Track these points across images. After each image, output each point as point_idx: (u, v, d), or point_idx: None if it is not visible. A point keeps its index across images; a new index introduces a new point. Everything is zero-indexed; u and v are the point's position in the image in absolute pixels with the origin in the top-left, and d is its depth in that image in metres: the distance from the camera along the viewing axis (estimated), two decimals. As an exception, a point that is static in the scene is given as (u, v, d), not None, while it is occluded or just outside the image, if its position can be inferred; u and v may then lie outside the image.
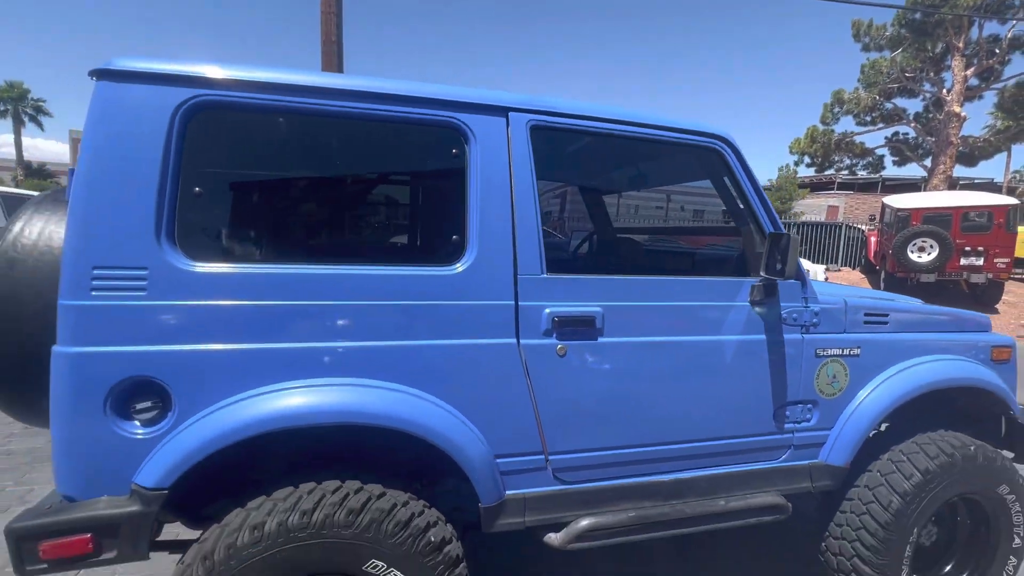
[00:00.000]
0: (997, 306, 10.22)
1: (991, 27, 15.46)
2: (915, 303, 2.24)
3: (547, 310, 1.51)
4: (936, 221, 9.75)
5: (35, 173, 31.26)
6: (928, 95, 17.26)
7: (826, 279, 10.29)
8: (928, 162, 17.25)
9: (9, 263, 1.39)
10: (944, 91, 16.09)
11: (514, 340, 1.49)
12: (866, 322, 1.89)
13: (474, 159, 1.49)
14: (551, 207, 3.00)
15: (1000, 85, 16.15)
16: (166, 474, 1.24)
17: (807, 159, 19.75)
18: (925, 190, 16.08)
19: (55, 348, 1.24)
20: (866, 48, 16.89)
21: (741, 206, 1.76)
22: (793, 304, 1.77)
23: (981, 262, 9.55)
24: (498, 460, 1.51)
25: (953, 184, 23.71)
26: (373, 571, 1.31)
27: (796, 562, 2.35)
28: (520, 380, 1.50)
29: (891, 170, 21.69)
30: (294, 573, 1.27)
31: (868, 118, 18.17)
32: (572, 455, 1.58)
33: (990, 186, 28.86)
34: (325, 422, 1.32)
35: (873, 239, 12.92)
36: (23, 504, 2.66)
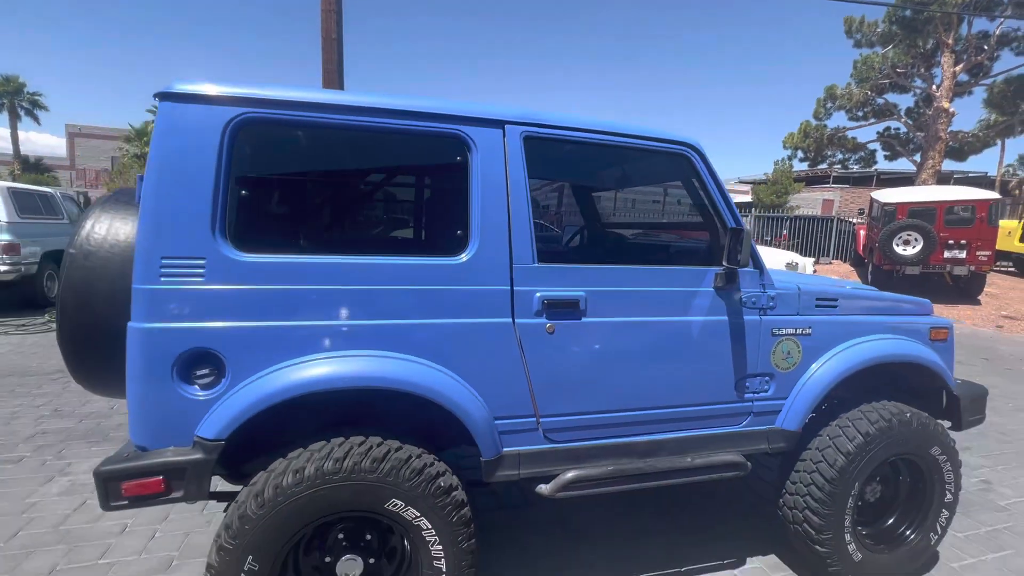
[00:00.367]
0: (980, 297, 10.55)
1: (981, 23, 15.69)
2: (866, 290, 2.51)
3: (538, 294, 1.78)
4: (921, 215, 10.05)
5: (32, 167, 31.25)
6: (919, 91, 17.52)
7: (814, 272, 10.57)
8: (918, 157, 17.53)
9: (85, 255, 1.64)
10: (934, 87, 16.34)
11: (510, 319, 1.76)
12: (817, 305, 2.16)
13: (475, 165, 1.74)
14: (542, 205, 3.26)
15: (989, 81, 16.42)
16: (223, 428, 1.50)
17: (800, 154, 20.02)
18: (916, 184, 16.37)
19: (130, 324, 1.50)
20: (858, 44, 17.12)
21: (707, 204, 2.03)
22: (752, 290, 2.04)
23: (964, 255, 9.86)
24: (496, 421, 1.77)
25: (947, 179, 24.00)
26: (393, 509, 1.58)
27: (757, 517, 2.64)
28: (515, 353, 1.77)
29: (884, 164, 21.97)
30: (329, 509, 1.54)
31: (860, 113, 18.44)
32: (560, 418, 1.85)
33: (984, 180, 29.21)
34: (354, 386, 1.58)
35: (862, 233, 13.23)
36: (64, 475, 2.94)
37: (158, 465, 1.49)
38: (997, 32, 15.58)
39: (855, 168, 21.84)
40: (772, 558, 2.40)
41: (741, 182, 33.23)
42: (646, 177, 2.50)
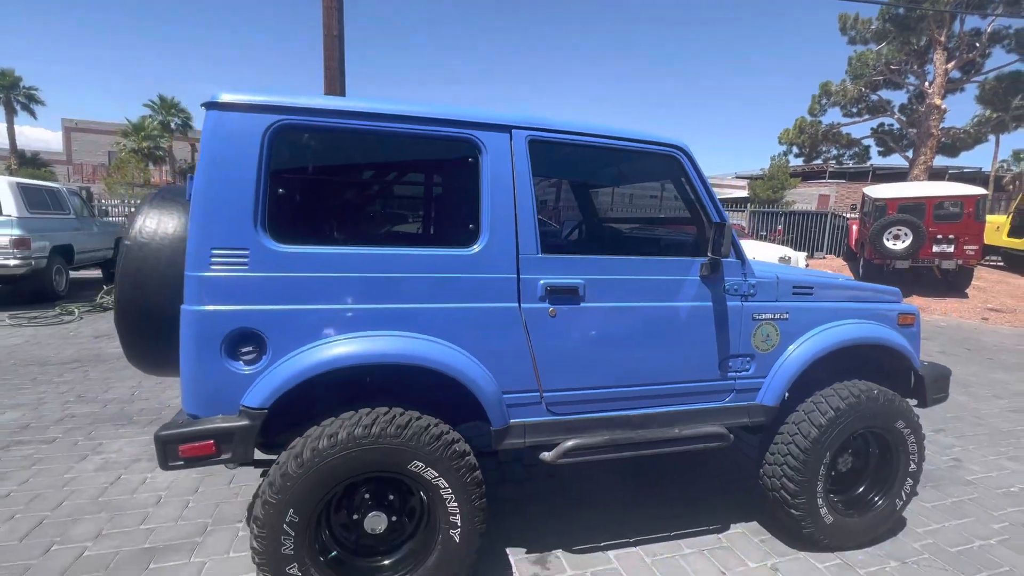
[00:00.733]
0: (967, 291, 10.82)
1: (973, 21, 15.90)
2: (841, 279, 2.72)
3: (541, 281, 1.99)
4: (911, 210, 10.29)
5: (28, 162, 31.19)
6: (912, 87, 17.74)
7: (807, 266, 10.81)
8: (910, 153, 17.77)
9: (140, 247, 1.84)
10: (926, 84, 16.56)
11: (516, 304, 1.97)
12: (794, 293, 2.38)
13: (485, 166, 1.95)
14: (545, 201, 3.46)
15: (981, 78, 16.65)
16: (266, 398, 1.71)
17: (795, 149, 20.25)
18: (909, 180, 16.62)
19: (183, 307, 1.70)
20: (852, 41, 17.32)
21: (693, 200, 2.23)
22: (734, 278, 2.25)
23: (952, 249, 10.11)
24: (505, 395, 1.99)
25: (942, 174, 24.23)
26: (415, 470, 1.80)
27: (740, 491, 2.88)
28: (521, 334, 1.98)
29: (879, 160, 22.22)
30: (360, 469, 1.75)
31: (854, 110, 18.66)
32: (561, 393, 2.07)
33: (979, 176, 29.49)
34: (380, 362, 1.78)
35: (855, 228, 13.47)
36: (97, 454, 3.14)
37: (210, 430, 1.69)
38: (988, 30, 15.80)
39: (850, 164, 22.09)
40: (754, 524, 2.63)
41: (738, 177, 33.45)
42: (639, 176, 2.70)
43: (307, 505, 1.71)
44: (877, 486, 2.54)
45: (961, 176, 27.34)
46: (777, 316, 2.33)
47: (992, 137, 20.33)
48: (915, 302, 10.05)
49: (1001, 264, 14.13)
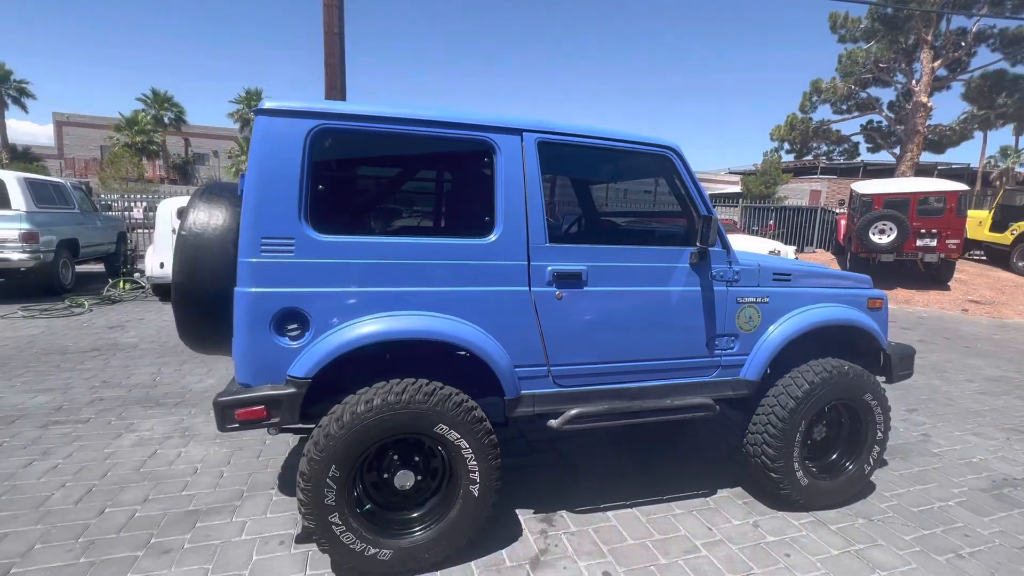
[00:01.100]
0: (949, 283, 11.19)
1: (959, 21, 16.26)
2: (818, 267, 3.00)
3: (549, 267, 2.24)
4: (896, 206, 10.61)
5: (20, 156, 31.00)
6: (900, 85, 18.11)
7: (795, 259, 11.11)
8: (898, 149, 18.15)
9: (194, 236, 2.08)
10: (913, 82, 16.93)
11: (527, 288, 2.22)
12: (774, 279, 2.65)
13: (499, 165, 2.19)
14: (553, 196, 3.72)
15: (966, 76, 17.04)
16: (310, 368, 1.95)
17: (787, 145, 20.60)
18: (896, 176, 17.01)
19: (237, 289, 1.94)
20: (842, 40, 17.64)
21: (684, 195, 2.49)
22: (720, 266, 2.52)
23: (934, 243, 10.46)
24: (516, 369, 2.24)
25: (930, 171, 24.63)
26: (440, 432, 2.05)
27: (727, 462, 3.15)
28: (531, 315, 2.23)
29: (869, 156, 22.62)
30: (392, 430, 2.00)
31: (844, 107, 19.01)
32: (566, 367, 2.32)
33: (967, 172, 30.01)
34: (409, 338, 2.03)
35: (842, 222, 13.81)
36: (131, 432, 3.37)
37: (262, 397, 1.94)
38: (974, 29, 16.18)
39: (840, 160, 22.48)
40: (738, 489, 2.91)
41: (731, 172, 33.82)
42: (635, 173, 2.95)
43: (346, 462, 1.95)
44: (848, 453, 2.82)
45: (950, 172, 27.84)
46: (759, 300, 2.60)
47: (979, 134, 20.78)
48: (899, 294, 10.43)
49: (984, 258, 14.56)
